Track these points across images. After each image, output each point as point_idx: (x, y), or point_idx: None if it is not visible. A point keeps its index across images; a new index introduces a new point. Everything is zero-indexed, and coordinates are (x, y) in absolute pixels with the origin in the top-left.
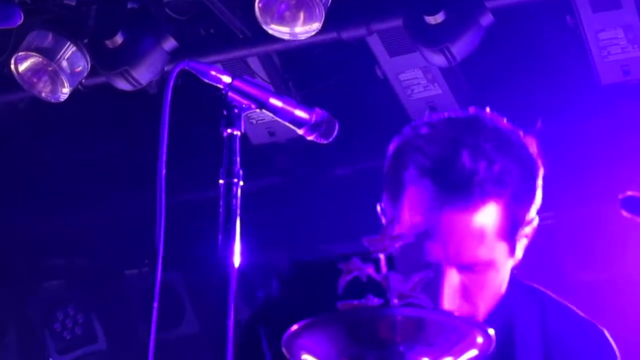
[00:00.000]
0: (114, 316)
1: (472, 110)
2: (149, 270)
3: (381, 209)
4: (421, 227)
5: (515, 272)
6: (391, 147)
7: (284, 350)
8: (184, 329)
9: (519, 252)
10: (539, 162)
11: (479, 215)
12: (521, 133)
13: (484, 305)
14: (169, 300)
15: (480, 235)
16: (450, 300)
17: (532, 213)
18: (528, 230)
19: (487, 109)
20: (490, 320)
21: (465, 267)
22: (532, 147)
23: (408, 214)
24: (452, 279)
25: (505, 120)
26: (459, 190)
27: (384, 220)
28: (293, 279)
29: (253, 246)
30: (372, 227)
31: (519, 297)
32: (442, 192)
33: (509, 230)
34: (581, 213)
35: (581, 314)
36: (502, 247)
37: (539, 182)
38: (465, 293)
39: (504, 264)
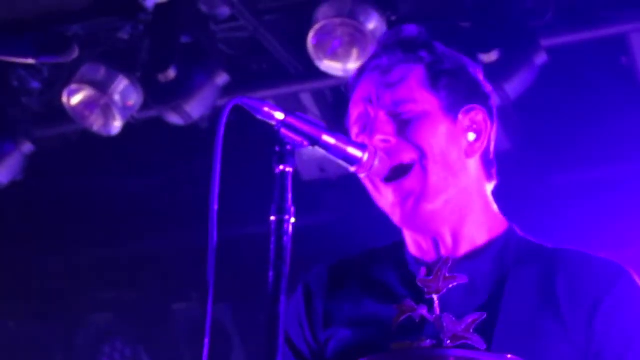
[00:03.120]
0: (161, 350)
1: None
2: (198, 305)
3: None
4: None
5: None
6: None
7: None
8: None
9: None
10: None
11: (392, 71)
12: None
13: (433, 163)
14: (217, 335)
15: (397, 82)
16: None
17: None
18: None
19: None
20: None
21: (393, 110)
22: None
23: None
24: (379, 115)
25: None
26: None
27: None
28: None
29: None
30: None
31: (520, 248)
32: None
33: (434, 88)
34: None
35: (603, 256)
36: (429, 100)
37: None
38: (401, 133)
39: (440, 118)
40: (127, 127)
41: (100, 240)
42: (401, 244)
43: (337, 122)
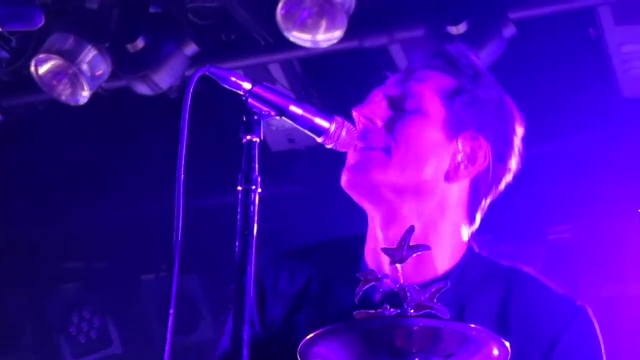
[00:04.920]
0: (129, 320)
1: None
2: (166, 275)
3: None
4: None
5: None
6: None
7: (299, 358)
8: (200, 334)
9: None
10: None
11: (421, 71)
12: None
13: (400, 155)
14: (186, 306)
15: (417, 79)
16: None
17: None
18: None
19: None
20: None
21: (396, 99)
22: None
23: None
24: (381, 99)
25: None
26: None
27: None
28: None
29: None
30: None
31: (478, 270)
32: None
33: (448, 100)
34: (600, 226)
35: (558, 289)
36: (436, 109)
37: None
38: (390, 123)
39: (429, 124)
40: (95, 97)
41: (68, 211)
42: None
43: (305, 93)
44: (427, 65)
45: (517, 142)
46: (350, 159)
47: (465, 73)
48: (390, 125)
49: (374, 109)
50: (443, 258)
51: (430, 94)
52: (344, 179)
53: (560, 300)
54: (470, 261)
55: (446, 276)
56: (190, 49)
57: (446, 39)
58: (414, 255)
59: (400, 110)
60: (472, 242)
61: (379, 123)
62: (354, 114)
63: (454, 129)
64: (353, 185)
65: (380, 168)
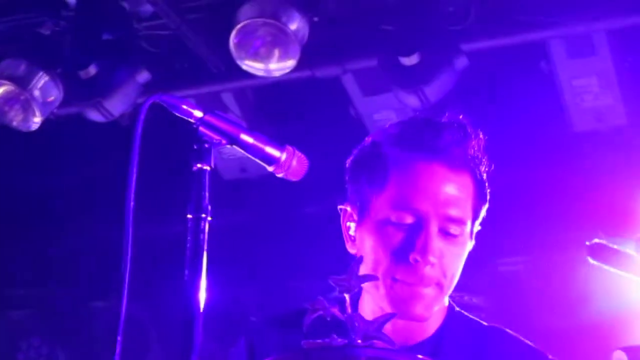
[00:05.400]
0: (78, 348)
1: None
2: (115, 303)
3: (350, 202)
4: (409, 182)
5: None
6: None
7: None
8: None
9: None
10: None
11: (459, 175)
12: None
13: (447, 285)
14: (135, 333)
15: (459, 194)
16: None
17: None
18: (477, 228)
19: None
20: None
21: (445, 226)
22: None
23: (395, 180)
24: (434, 230)
25: None
26: (444, 149)
27: (345, 222)
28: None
29: (221, 282)
30: (341, 266)
31: (459, 330)
32: (430, 152)
33: (475, 209)
34: (551, 259)
35: (529, 344)
36: (469, 222)
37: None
38: (440, 257)
39: (467, 242)
40: (46, 123)
41: (16, 237)
42: None
43: (257, 122)
44: (465, 166)
45: None
46: (408, 294)
47: (486, 168)
48: (441, 258)
49: (433, 248)
50: (435, 321)
51: (467, 213)
52: (402, 314)
53: (532, 353)
54: (451, 321)
55: (431, 338)
56: (143, 76)
57: (398, 69)
58: (362, 285)
59: (448, 239)
60: (452, 302)
61: (435, 260)
62: (416, 258)
63: (472, 233)
64: (407, 317)
65: (434, 305)
